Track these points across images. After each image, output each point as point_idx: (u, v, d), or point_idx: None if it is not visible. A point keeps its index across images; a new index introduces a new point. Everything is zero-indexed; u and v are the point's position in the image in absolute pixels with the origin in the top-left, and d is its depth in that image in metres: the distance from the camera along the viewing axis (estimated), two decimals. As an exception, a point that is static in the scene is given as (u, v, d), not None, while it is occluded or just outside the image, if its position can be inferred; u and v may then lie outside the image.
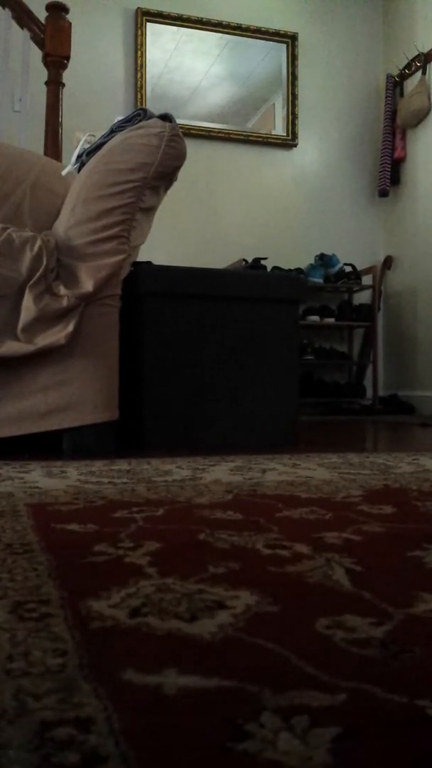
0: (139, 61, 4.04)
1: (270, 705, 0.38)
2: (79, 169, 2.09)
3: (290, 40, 4.34)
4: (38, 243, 1.70)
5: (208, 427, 1.99)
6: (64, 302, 1.69)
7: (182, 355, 1.97)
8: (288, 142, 4.34)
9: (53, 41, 2.71)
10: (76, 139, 2.74)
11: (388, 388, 4.39)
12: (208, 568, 0.66)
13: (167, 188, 1.92)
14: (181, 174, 1.94)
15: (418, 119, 4.17)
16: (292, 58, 4.34)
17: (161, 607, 0.55)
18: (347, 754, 0.34)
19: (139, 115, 1.90)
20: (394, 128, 4.35)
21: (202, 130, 4.15)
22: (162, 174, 1.82)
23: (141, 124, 1.85)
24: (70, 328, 1.70)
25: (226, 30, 4.20)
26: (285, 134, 4.35)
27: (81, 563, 0.68)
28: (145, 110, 1.91)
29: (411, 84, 4.27)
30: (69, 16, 2.74)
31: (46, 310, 1.67)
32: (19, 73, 2.82)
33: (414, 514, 0.95)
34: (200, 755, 0.34)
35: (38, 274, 1.68)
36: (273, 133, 4.34)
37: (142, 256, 2.09)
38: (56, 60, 2.74)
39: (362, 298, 4.41)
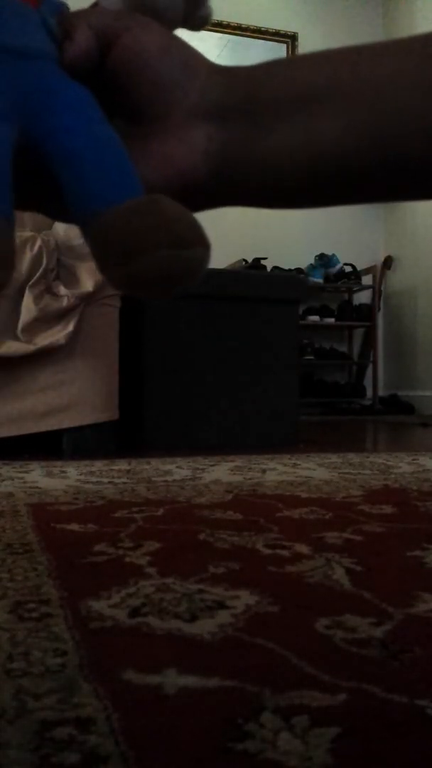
0: (139, 61, 4.04)
1: (270, 705, 0.38)
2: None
3: (290, 40, 4.34)
4: (38, 243, 1.70)
5: (208, 427, 1.99)
6: (64, 302, 1.69)
7: (182, 355, 1.97)
8: (288, 142, 4.34)
9: (53, 41, 2.71)
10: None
11: (388, 388, 4.39)
12: (208, 568, 0.66)
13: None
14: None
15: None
16: (292, 58, 4.34)
17: (161, 607, 0.55)
18: (347, 754, 0.34)
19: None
20: (394, 128, 4.34)
21: (202, 130, 4.15)
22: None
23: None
24: (70, 328, 1.70)
25: (226, 30, 4.20)
26: (285, 134, 4.35)
27: (81, 563, 0.68)
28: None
29: (411, 84, 4.26)
30: (69, 16, 2.74)
31: (46, 310, 1.67)
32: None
33: (414, 514, 0.95)
34: (200, 755, 0.34)
35: (38, 274, 1.68)
36: (273, 133, 4.34)
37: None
38: (56, 60, 2.74)
39: (362, 298, 4.40)
